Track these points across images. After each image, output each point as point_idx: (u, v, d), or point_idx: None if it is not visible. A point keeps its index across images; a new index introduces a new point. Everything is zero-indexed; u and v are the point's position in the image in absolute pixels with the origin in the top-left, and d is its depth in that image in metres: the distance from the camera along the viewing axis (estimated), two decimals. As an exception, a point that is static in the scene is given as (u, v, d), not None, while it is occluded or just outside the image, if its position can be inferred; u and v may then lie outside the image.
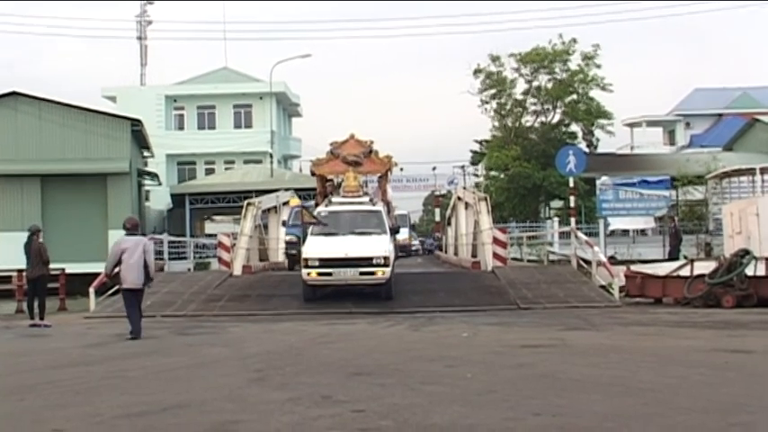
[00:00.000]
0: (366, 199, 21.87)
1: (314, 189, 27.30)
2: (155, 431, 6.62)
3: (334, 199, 22.11)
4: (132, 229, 14.85)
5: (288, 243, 29.18)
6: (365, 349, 12.03)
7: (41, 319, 17.73)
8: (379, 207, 21.43)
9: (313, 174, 24.80)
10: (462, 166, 61.56)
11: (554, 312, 17.79)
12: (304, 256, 19.15)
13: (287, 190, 35.32)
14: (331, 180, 24.21)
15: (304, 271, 19.04)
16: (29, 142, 32.36)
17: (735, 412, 6.93)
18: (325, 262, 18.86)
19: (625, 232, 36.09)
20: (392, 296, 19.42)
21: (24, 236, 18.35)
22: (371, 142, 23.41)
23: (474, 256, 26.53)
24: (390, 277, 19.14)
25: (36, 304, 17.89)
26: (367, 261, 18.82)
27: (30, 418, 7.25)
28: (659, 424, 6.51)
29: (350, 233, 19.95)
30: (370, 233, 19.97)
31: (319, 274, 18.86)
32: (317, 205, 22.90)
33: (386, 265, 18.90)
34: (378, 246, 19.28)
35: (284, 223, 29.25)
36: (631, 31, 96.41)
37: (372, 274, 18.86)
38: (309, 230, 20.23)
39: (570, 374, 9.05)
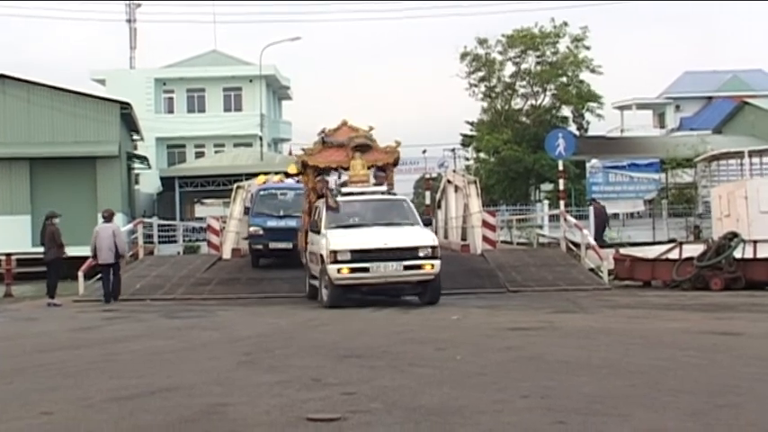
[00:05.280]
0: (383, 188, 17.82)
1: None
2: (143, 414, 6.61)
3: (344, 189, 17.75)
4: (108, 218, 19.07)
5: (252, 236, 23.02)
6: (355, 332, 12.04)
7: (52, 297, 18.41)
8: (404, 197, 18.21)
9: (304, 165, 18.73)
10: (453, 149, 61.40)
11: (543, 295, 17.87)
12: (331, 248, 15.51)
13: (277, 173, 34.93)
14: (322, 175, 18.67)
15: (332, 267, 15.41)
16: (17, 125, 32.16)
17: (723, 394, 6.96)
18: (360, 255, 15.44)
19: (615, 215, 36.19)
20: (439, 298, 16.09)
21: (14, 219, 18.70)
22: (370, 128, 18.60)
23: (463, 239, 26.55)
24: (439, 273, 15.89)
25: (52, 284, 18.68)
26: (412, 252, 15.57)
27: (18, 402, 7.23)
28: (647, 405, 6.53)
29: (374, 224, 16.53)
30: (401, 224, 16.62)
31: (352, 269, 15.42)
32: (309, 204, 18.49)
33: (435, 257, 15.67)
34: (422, 234, 16.16)
35: (247, 210, 24.69)
36: (621, 13, 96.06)
37: (419, 267, 15.58)
38: (322, 224, 16.54)
39: (559, 357, 9.07)
